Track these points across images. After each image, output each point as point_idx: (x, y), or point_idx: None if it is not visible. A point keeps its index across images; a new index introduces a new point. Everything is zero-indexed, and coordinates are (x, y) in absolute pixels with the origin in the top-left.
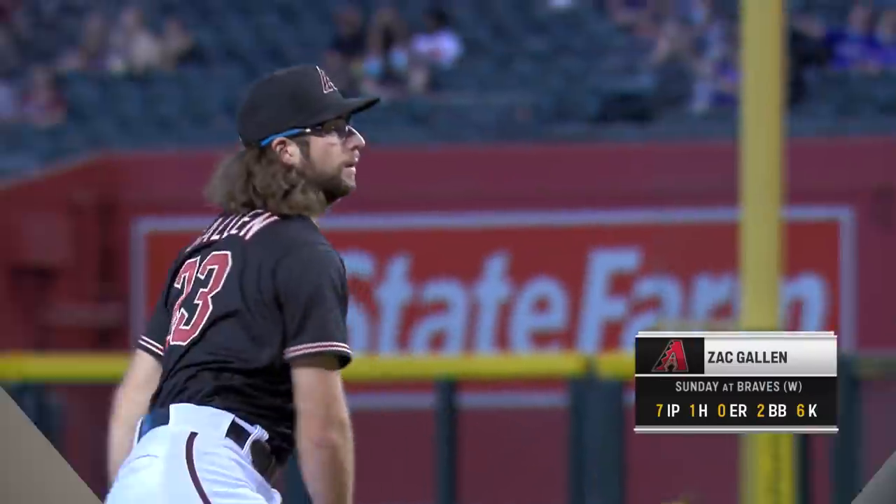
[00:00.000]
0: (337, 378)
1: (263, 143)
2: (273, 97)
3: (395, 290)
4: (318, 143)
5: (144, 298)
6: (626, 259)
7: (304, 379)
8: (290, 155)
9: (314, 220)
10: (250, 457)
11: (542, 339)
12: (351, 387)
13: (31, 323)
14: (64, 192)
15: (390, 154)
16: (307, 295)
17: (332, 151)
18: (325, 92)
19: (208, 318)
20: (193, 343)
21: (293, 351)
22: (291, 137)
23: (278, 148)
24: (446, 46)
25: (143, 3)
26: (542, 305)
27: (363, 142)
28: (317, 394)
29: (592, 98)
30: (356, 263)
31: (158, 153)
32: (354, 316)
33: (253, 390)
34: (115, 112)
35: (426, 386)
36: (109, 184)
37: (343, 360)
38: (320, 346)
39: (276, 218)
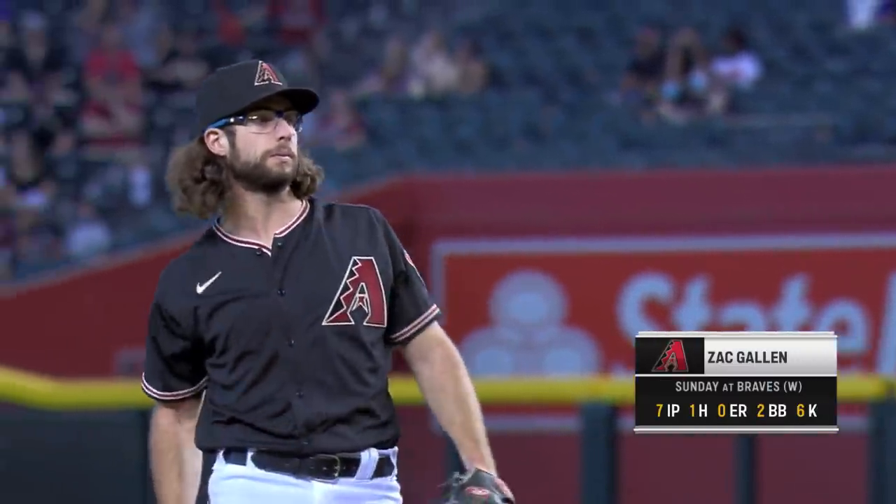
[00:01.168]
0: (154, 409)
1: (202, 134)
2: (208, 90)
3: (693, 312)
4: (242, 133)
5: (443, 321)
6: None
7: None
8: (221, 146)
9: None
10: (223, 460)
11: (842, 361)
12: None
13: None
14: None
15: (689, 176)
16: None
17: (256, 140)
18: (255, 84)
19: None
20: None
21: None
22: (221, 128)
23: (210, 138)
24: (745, 68)
25: (442, 27)
26: (841, 328)
27: (291, 132)
28: None
29: (893, 119)
30: (654, 286)
31: (458, 176)
32: None
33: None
34: (414, 135)
35: None
36: (409, 207)
37: (150, 396)
38: None
39: None
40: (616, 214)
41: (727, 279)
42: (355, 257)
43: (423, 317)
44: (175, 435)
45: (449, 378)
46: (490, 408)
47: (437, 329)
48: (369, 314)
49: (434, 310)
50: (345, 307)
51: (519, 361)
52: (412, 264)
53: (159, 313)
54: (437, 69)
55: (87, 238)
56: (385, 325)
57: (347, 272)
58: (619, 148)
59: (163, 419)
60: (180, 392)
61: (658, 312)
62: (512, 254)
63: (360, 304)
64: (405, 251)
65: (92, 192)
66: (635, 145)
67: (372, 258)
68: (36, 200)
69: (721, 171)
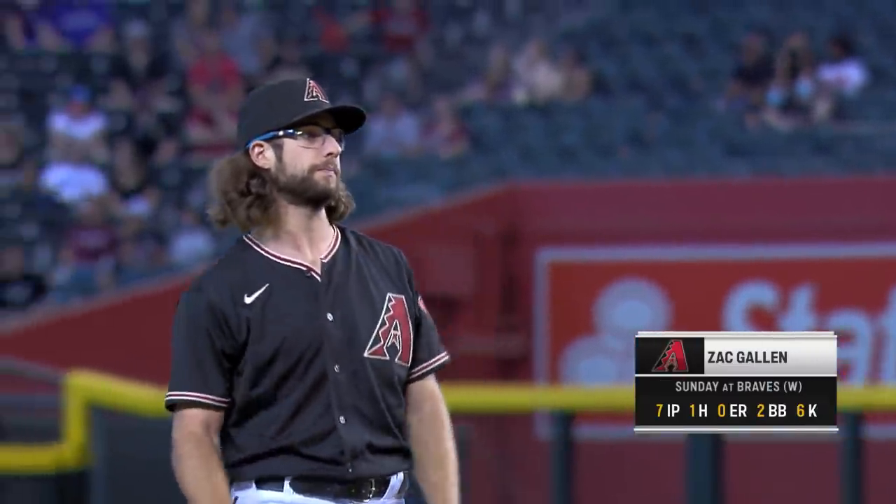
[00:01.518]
0: (177, 422)
1: (246, 146)
2: (255, 103)
3: (798, 320)
4: (290, 146)
5: (546, 329)
6: None
7: None
8: (266, 158)
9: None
10: (255, 487)
11: None
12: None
13: None
14: (467, 222)
15: (794, 183)
16: None
17: (303, 154)
18: (304, 99)
19: None
20: None
21: None
22: (267, 140)
23: (255, 150)
24: (852, 74)
25: (546, 34)
26: None
27: (338, 149)
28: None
29: None
30: (759, 293)
31: (561, 183)
32: None
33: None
34: (518, 143)
35: None
36: (512, 214)
37: (183, 402)
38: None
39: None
40: (721, 221)
41: (833, 287)
42: (390, 294)
43: (420, 367)
44: (213, 442)
45: (431, 436)
46: (594, 416)
47: (431, 383)
48: (400, 352)
49: (434, 361)
50: (382, 342)
51: (623, 369)
52: (425, 310)
53: (213, 315)
54: (540, 76)
55: (191, 245)
56: (409, 366)
57: (384, 307)
58: (724, 155)
59: (197, 428)
60: (226, 399)
61: (763, 320)
62: (616, 261)
63: (394, 340)
64: (420, 296)
65: (195, 199)
66: (740, 152)
67: (403, 297)
68: (139, 208)
69: (827, 178)
